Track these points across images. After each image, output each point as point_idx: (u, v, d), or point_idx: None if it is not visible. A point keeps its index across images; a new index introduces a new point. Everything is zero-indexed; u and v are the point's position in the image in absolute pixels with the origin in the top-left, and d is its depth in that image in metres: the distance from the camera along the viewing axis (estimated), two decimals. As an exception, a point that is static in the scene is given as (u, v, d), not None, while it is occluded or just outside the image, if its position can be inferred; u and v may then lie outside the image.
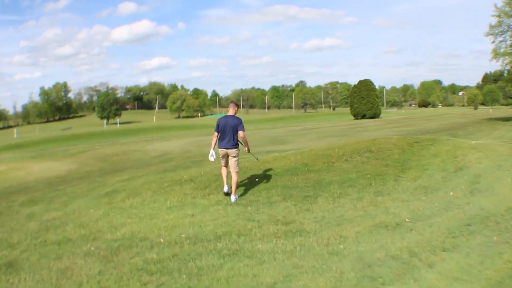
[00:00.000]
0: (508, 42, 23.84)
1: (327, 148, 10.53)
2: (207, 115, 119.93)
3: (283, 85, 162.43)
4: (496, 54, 23.87)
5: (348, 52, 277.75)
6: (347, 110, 58.72)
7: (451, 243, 4.65)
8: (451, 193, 7.15)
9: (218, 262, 4.59)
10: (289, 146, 18.38)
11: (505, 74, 26.14)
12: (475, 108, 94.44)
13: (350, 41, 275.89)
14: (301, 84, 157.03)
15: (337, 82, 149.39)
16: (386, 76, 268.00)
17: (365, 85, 51.19)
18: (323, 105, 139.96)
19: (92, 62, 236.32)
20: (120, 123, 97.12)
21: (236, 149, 7.67)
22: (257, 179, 8.64)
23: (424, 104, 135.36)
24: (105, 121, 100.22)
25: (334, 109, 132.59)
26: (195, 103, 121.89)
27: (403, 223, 5.66)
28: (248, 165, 9.61)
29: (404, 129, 24.49)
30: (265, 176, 8.82)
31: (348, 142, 11.22)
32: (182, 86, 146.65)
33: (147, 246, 5.30)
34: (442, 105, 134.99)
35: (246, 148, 7.92)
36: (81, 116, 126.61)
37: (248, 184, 8.42)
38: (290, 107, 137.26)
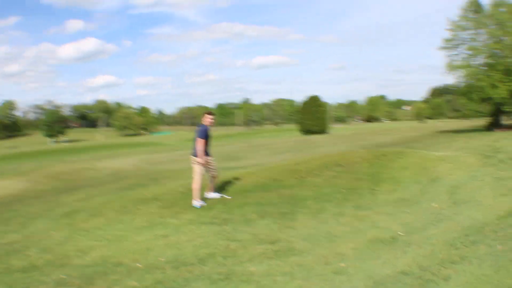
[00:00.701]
0: (463, 55, 24.92)
1: (295, 163, 10.26)
2: (153, 133, 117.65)
3: (228, 103, 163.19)
4: (451, 67, 24.85)
5: (294, 69, 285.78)
6: (292, 126, 59.45)
7: (457, 255, 4.43)
8: (435, 205, 7.04)
9: (213, 288, 4.07)
10: (244, 162, 18.08)
11: (459, 87, 27.28)
12: (422, 122, 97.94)
13: (296, 58, 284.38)
14: (247, 101, 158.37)
15: (282, 99, 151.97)
16: (331, 93, 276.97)
17: (314, 101, 52.23)
18: (268, 122, 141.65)
19: (39, 80, 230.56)
20: (67, 141, 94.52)
21: (195, 157, 7.88)
22: (229, 197, 8.15)
23: (369, 119, 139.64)
24: (49, 139, 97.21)
25: (277, 125, 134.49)
26: (140, 121, 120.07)
27: (398, 237, 5.41)
28: (217, 181, 9.09)
29: (357, 143, 24.97)
30: (236, 193, 8.36)
31: (315, 157, 11.04)
32: (128, 105, 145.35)
33: (123, 273, 4.66)
34: (388, 120, 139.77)
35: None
36: (27, 134, 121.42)
37: (218, 201, 7.91)
38: (235, 125, 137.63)
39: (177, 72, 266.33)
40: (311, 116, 51.57)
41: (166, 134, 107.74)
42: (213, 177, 8.30)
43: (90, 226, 7.12)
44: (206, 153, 8.01)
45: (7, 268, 5.19)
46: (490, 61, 23.46)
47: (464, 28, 24.32)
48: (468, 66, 24.18)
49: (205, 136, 7.93)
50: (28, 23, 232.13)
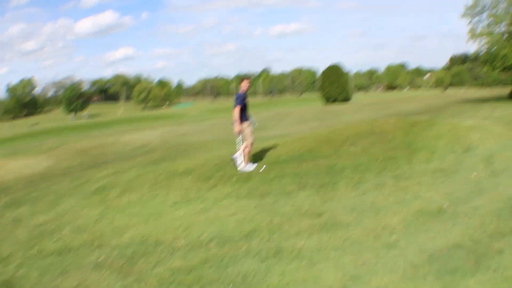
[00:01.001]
0: (485, 23, 23.88)
1: (329, 132, 10.02)
2: (174, 105, 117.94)
3: (248, 72, 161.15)
4: (473, 35, 23.87)
5: (313, 37, 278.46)
6: (314, 95, 58.12)
7: (507, 227, 4.24)
8: (473, 174, 6.79)
9: (262, 266, 3.95)
10: (271, 132, 17.82)
11: (480, 54, 26.15)
12: (444, 91, 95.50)
13: (315, 26, 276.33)
14: (266, 70, 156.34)
15: (301, 69, 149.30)
16: (351, 60, 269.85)
17: (335, 70, 50.98)
18: (289, 91, 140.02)
19: (57, 56, 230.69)
20: (88, 116, 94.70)
21: (233, 126, 7.98)
22: (263, 166, 8.00)
23: (390, 88, 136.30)
24: (71, 115, 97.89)
25: (299, 94, 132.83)
26: (161, 94, 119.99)
27: (444, 209, 5.21)
28: (251, 152, 8.95)
29: (382, 112, 24.39)
30: (271, 164, 8.19)
31: (348, 126, 10.75)
32: (147, 77, 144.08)
33: (166, 252, 4.58)
34: (409, 88, 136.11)
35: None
36: (48, 111, 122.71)
37: (254, 173, 7.76)
38: (256, 94, 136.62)
39: (195, 43, 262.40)
40: (334, 84, 50.46)
41: (187, 106, 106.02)
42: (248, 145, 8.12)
43: (123, 202, 7.08)
44: (246, 119, 8.03)
45: (41, 251, 5.02)
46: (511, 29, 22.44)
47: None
48: (491, 33, 23.20)
49: (240, 102, 7.91)
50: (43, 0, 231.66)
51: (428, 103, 29.36)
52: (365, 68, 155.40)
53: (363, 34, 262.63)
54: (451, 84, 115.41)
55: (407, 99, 43.69)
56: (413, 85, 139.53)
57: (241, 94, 7.99)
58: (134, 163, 11.21)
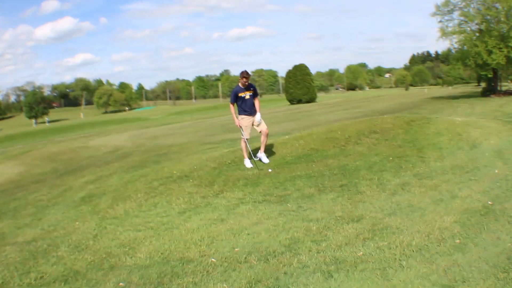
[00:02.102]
0: (456, 21, 24.44)
1: (329, 131, 9.53)
2: (135, 108, 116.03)
3: (207, 75, 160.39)
4: (444, 33, 24.37)
5: (271, 40, 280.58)
6: (275, 96, 57.83)
7: None
8: (496, 171, 6.51)
9: (332, 283, 3.32)
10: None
11: (453, 51, 26.79)
12: (406, 89, 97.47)
13: (273, 29, 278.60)
14: (226, 73, 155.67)
15: (262, 70, 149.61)
16: (309, 62, 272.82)
17: (300, 70, 51.18)
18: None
19: (17, 62, 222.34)
20: (49, 122, 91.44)
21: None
22: (269, 170, 7.37)
23: (351, 88, 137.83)
24: (33, 120, 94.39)
25: (261, 96, 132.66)
26: (122, 97, 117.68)
27: (491, 208, 4.81)
28: (253, 153, 8.31)
29: (356, 110, 24.41)
30: (278, 166, 7.59)
31: (347, 123, 10.30)
32: (108, 81, 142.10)
33: (200, 272, 3.81)
34: (370, 88, 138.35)
35: None
36: (9, 117, 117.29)
37: (262, 176, 7.12)
38: (216, 97, 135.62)
39: (154, 47, 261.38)
40: (298, 85, 50.64)
41: (148, 109, 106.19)
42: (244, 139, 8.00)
43: (120, 212, 6.23)
44: (245, 113, 7.87)
45: (40, 276, 4.09)
46: (483, 27, 23.13)
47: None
48: (463, 32, 23.84)
49: (233, 98, 7.83)
50: (4, 6, 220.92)
51: (398, 102, 29.76)
52: (323, 70, 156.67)
53: (321, 37, 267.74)
54: (412, 84, 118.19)
55: (373, 98, 44.40)
56: (373, 84, 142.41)
57: (235, 90, 7.81)
58: (113, 168, 10.28)
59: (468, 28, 24.06)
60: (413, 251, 3.81)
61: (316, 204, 5.59)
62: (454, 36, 24.37)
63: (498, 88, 26.86)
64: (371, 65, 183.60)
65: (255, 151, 8.20)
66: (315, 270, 3.58)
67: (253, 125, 7.90)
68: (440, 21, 24.73)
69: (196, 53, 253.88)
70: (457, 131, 9.46)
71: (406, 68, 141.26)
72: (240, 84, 7.72)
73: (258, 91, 8.22)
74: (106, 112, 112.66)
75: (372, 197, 5.70)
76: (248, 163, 7.80)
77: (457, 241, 3.96)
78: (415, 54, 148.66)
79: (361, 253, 3.85)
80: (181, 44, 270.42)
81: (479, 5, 23.42)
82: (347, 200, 5.63)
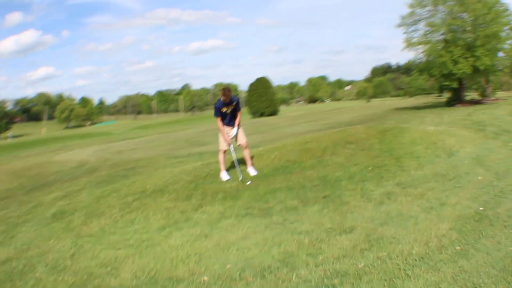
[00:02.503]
0: (421, 32, 24.90)
1: (304, 142, 9.41)
2: (96, 123, 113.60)
3: (168, 89, 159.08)
4: (409, 44, 24.78)
5: (232, 53, 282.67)
6: None
7: None
8: (479, 177, 6.56)
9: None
10: (211, 147, 16.97)
11: (417, 63, 27.33)
12: (368, 101, 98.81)
13: (234, 42, 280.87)
14: (187, 87, 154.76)
15: (222, 84, 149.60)
16: (270, 75, 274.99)
17: (263, 83, 51.39)
18: (210, 107, 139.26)
19: None
20: (12, 137, 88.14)
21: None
22: (248, 182, 7.13)
23: (312, 100, 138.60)
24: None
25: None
26: (83, 112, 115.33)
27: (484, 213, 4.80)
28: (231, 165, 8.05)
29: (321, 122, 24.60)
30: (256, 178, 7.35)
31: (321, 134, 10.24)
32: (69, 96, 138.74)
33: (192, 292, 3.52)
34: (331, 100, 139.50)
35: None
36: None
37: (241, 189, 6.86)
38: (177, 111, 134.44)
39: (115, 61, 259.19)
40: (261, 98, 50.81)
41: (110, 124, 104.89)
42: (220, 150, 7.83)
43: (95, 229, 5.80)
44: (225, 124, 7.69)
45: None
46: (449, 37, 23.62)
47: (422, 5, 24.33)
48: (428, 42, 24.28)
49: (218, 113, 7.59)
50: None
51: (362, 113, 30.24)
52: (284, 82, 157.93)
53: (282, 50, 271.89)
54: (374, 95, 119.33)
55: (335, 110, 45.04)
56: (334, 97, 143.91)
57: (218, 106, 7.58)
58: (81, 183, 9.77)
59: (434, 39, 24.55)
60: (415, 260, 3.68)
61: (301, 216, 5.39)
62: (420, 46, 24.82)
63: (463, 98, 27.66)
64: (332, 77, 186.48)
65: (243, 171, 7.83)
66: (317, 285, 3.37)
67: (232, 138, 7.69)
68: (405, 32, 25.18)
69: (157, 67, 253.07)
70: (432, 139, 9.60)
71: (367, 80, 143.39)
72: (221, 99, 7.53)
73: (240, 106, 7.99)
74: (67, 127, 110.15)
75: (359, 207, 5.57)
76: (224, 176, 7.54)
77: (458, 247, 3.87)
78: (376, 66, 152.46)
79: (362, 264, 3.67)
80: (142, 58, 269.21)
81: (445, 15, 23.94)
82: (333, 211, 5.46)
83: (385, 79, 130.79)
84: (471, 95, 34.43)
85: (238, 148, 7.83)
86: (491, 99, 30.13)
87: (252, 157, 7.99)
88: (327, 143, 9.05)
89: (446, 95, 34.77)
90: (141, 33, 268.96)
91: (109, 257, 4.58)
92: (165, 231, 5.39)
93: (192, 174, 8.08)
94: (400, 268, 3.53)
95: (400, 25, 25.15)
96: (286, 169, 7.73)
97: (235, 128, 7.62)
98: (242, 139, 7.65)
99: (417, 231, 4.44)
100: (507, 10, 22.83)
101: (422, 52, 25.04)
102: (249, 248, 4.43)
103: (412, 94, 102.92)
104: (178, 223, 5.68)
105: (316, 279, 3.48)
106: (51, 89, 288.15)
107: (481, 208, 4.98)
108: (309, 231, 4.78)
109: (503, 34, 22.94)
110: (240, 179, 7.13)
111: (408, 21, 24.83)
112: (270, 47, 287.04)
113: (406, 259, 3.70)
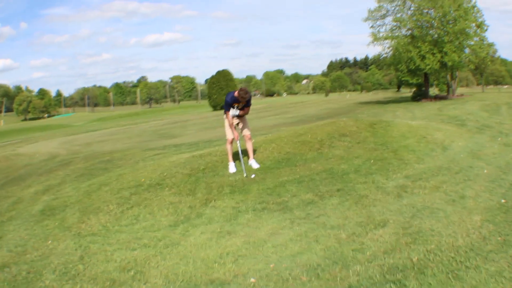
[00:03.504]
0: (388, 27, 25.09)
1: (298, 134, 9.19)
2: (54, 115, 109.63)
3: (125, 82, 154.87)
4: (376, 38, 24.94)
5: (188, 46, 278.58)
6: (193, 103, 56.00)
7: None
8: (485, 171, 6.64)
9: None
10: (184, 139, 16.54)
11: (382, 57, 27.61)
12: (326, 95, 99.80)
13: (190, 35, 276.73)
14: (143, 79, 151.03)
15: (180, 76, 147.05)
16: (226, 68, 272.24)
17: (224, 76, 50.83)
18: (168, 100, 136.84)
19: None
20: None
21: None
22: (252, 175, 6.84)
23: (270, 94, 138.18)
24: None
25: (179, 102, 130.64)
26: (41, 104, 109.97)
27: (506, 205, 4.89)
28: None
29: (288, 116, 24.52)
30: (259, 171, 7.07)
31: (313, 126, 10.06)
32: (27, 87, 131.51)
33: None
34: (288, 94, 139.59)
35: None
36: None
37: (248, 182, 6.56)
38: (134, 103, 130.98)
39: (72, 53, 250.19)
40: (222, 91, 50.16)
41: (68, 116, 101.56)
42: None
43: (97, 227, 5.30)
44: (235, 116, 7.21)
45: None
46: (416, 33, 23.98)
47: (390, 0, 24.53)
48: (396, 37, 24.52)
49: (227, 108, 7.11)
50: None
51: (327, 107, 30.38)
52: (240, 76, 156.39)
53: (238, 43, 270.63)
54: (331, 89, 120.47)
55: (297, 103, 45.16)
56: (291, 91, 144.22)
57: (229, 101, 7.05)
58: (59, 177, 9.14)
59: (401, 34, 24.75)
60: (466, 251, 3.60)
61: (324, 210, 5.18)
62: (386, 41, 25.02)
63: (428, 93, 28.27)
64: (289, 71, 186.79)
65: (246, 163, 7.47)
66: (381, 281, 3.17)
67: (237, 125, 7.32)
68: (372, 26, 25.29)
69: (113, 59, 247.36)
70: (420, 133, 9.70)
71: (324, 74, 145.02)
72: (235, 95, 6.98)
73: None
74: (25, 119, 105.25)
75: (379, 200, 5.43)
76: (232, 167, 7.20)
77: (499, 238, 3.83)
78: (333, 60, 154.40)
79: (416, 258, 3.52)
80: (99, 50, 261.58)
81: (413, 11, 24.20)
82: (355, 205, 5.30)
83: (343, 74, 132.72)
84: (433, 91, 35.45)
85: (241, 139, 7.48)
86: (456, 95, 31.18)
87: (254, 150, 7.67)
88: (322, 136, 8.91)
89: (404, 91, 35.64)
90: (98, 25, 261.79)
91: (127, 259, 4.15)
92: (179, 228, 5.01)
93: (188, 167, 7.67)
94: (456, 260, 3.43)
95: (367, 19, 25.33)
96: (289, 161, 7.50)
97: (238, 111, 7.14)
98: (246, 131, 7.33)
99: (452, 223, 4.37)
100: (475, 7, 23.50)
101: (389, 47, 25.33)
102: (284, 244, 4.16)
103: (369, 89, 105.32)
104: (190, 219, 5.31)
105: (377, 275, 3.28)
106: (9, 80, 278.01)
107: (503, 201, 5.00)
108: (340, 225, 4.58)
109: (470, 31, 23.53)
110: (244, 176, 6.80)
111: (375, 16, 25.02)
112: (227, 40, 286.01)
113: (458, 251, 3.61)
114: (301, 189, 6.06)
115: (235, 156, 7.38)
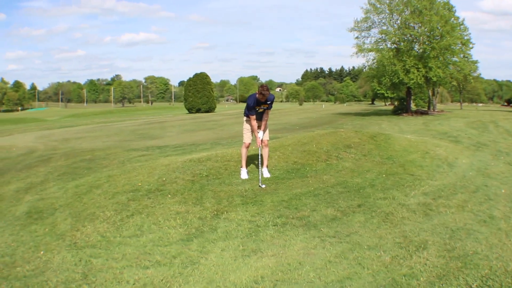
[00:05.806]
0: (373, 39, 24.99)
1: (301, 143, 8.78)
2: (27, 108, 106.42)
3: (99, 79, 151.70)
4: (361, 49, 24.78)
5: (162, 47, 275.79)
6: (166, 104, 54.60)
7: None
8: (502, 191, 6.42)
9: None
10: (166, 141, 15.91)
11: (365, 69, 27.53)
12: (300, 104, 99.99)
13: (165, 36, 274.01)
14: (117, 78, 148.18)
15: (154, 77, 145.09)
16: (199, 71, 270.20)
17: (201, 79, 50.13)
18: (142, 100, 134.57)
19: None
20: None
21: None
22: (263, 185, 6.36)
23: (243, 100, 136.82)
24: None
25: (152, 103, 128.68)
26: (15, 96, 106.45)
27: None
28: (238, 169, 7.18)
29: (270, 123, 24.07)
30: (269, 180, 6.60)
31: (314, 135, 9.63)
32: (2, 79, 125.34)
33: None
34: None
35: None
36: None
37: (259, 193, 6.07)
38: (107, 101, 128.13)
39: (47, 47, 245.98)
40: (199, 94, 49.52)
41: (41, 110, 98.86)
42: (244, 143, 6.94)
43: (95, 237, 4.67)
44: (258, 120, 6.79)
45: None
46: (402, 46, 24.01)
47: (378, 12, 24.48)
48: (381, 50, 24.50)
49: (251, 111, 6.65)
50: None
51: (307, 116, 30.12)
52: (213, 80, 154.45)
53: (212, 47, 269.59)
54: (305, 99, 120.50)
55: (275, 111, 44.81)
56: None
57: (251, 104, 6.55)
58: (40, 174, 8.47)
59: (386, 46, 24.68)
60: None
61: (352, 228, 4.75)
62: (371, 53, 24.91)
63: (410, 108, 28.39)
64: (262, 78, 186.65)
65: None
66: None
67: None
68: (357, 37, 25.15)
69: (88, 56, 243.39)
70: (421, 148, 9.50)
71: (298, 83, 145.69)
72: (257, 96, 6.54)
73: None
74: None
75: (407, 219, 5.06)
76: (244, 174, 6.71)
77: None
78: (309, 69, 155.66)
79: (475, 284, 3.21)
80: (74, 46, 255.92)
81: (399, 24, 24.17)
82: (383, 223, 4.90)
83: (317, 83, 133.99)
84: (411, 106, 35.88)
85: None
86: (437, 110, 31.61)
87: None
88: (327, 146, 8.54)
89: (378, 104, 35.90)
90: (75, 21, 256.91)
91: (142, 280, 3.58)
92: (194, 243, 4.46)
93: (188, 172, 7.11)
94: None
95: (352, 29, 25.23)
96: (298, 172, 7.07)
97: (261, 132, 6.74)
98: (265, 136, 6.85)
99: (494, 246, 4.15)
100: (461, 24, 23.78)
101: (374, 59, 25.29)
102: (325, 268, 3.69)
103: (342, 100, 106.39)
104: (203, 233, 4.77)
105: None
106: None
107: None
108: (378, 246, 4.17)
109: (455, 48, 23.74)
110: (260, 185, 6.32)
111: (361, 27, 24.93)
112: (201, 43, 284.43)
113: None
114: (319, 203, 5.62)
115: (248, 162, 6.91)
